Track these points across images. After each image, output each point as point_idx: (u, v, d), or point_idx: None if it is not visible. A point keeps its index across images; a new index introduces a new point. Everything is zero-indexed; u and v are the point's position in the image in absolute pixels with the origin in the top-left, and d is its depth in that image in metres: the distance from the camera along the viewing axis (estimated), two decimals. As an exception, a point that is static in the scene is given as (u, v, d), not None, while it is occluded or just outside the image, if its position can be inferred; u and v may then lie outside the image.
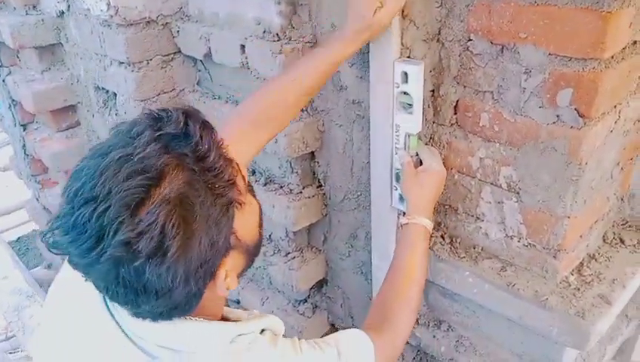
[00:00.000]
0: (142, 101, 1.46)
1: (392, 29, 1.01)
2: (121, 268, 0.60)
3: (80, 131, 1.91)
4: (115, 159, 0.61)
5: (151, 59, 1.43)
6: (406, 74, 1.03)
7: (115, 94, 1.57)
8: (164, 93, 1.49)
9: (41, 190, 2.10)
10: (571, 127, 0.93)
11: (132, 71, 1.42)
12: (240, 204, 0.69)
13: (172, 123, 0.64)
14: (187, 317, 0.73)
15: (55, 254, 0.65)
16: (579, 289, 1.05)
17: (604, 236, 1.18)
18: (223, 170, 0.65)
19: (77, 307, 0.78)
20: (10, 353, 2.22)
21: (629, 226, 1.22)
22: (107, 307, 0.74)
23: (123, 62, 1.43)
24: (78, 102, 1.84)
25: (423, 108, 1.08)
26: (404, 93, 1.05)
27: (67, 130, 1.90)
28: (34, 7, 1.73)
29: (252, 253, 0.77)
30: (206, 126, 0.66)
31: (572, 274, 1.08)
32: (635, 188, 1.21)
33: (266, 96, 1.00)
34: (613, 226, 1.21)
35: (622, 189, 1.18)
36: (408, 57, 1.05)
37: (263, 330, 0.79)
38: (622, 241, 1.18)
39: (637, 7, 0.88)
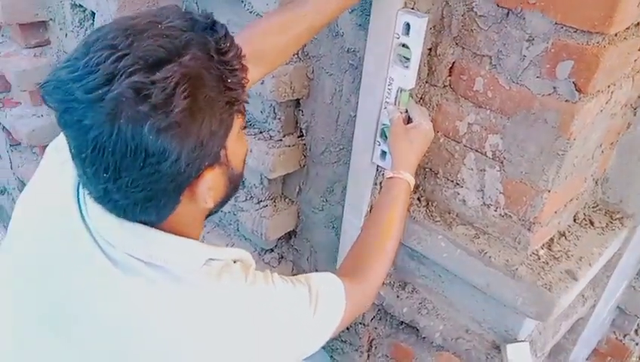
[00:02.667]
0: (122, 24, 1.37)
1: (399, -24, 0.97)
2: (122, 113, 0.58)
3: (50, 51, 1.79)
4: (143, 22, 0.62)
5: (137, -21, 1.34)
6: (408, 25, 0.99)
7: (94, 14, 1.47)
8: (147, 19, 1.40)
9: (1, 109, 1.98)
10: (566, 100, 0.92)
11: (115, -11, 1.33)
12: (242, 111, 0.69)
13: (201, 15, 0.66)
14: (161, 230, 0.70)
15: (49, 105, 0.61)
16: (547, 263, 1.06)
17: (575, 216, 1.21)
18: (238, 70, 0.66)
19: (44, 212, 0.75)
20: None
21: (599, 209, 1.25)
22: (80, 210, 0.71)
23: (106, -21, 1.33)
24: (51, 19, 1.72)
25: (419, 66, 1.06)
26: (403, 45, 1.02)
27: (36, 47, 1.78)
28: None
29: (232, 183, 0.75)
30: (229, 32, 0.67)
31: (542, 249, 1.10)
32: (610, 172, 1.23)
33: (266, 27, 0.95)
34: (584, 207, 1.23)
35: (599, 172, 1.20)
36: (412, 9, 1.01)
37: (235, 261, 0.77)
38: (591, 223, 1.20)
39: (648, -12, 0.87)
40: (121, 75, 0.58)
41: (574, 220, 1.20)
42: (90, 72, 0.59)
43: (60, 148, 0.79)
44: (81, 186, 0.72)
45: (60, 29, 1.69)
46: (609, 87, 0.98)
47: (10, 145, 2.10)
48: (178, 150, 0.61)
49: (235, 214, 1.46)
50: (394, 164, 1.07)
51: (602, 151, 1.14)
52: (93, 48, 0.60)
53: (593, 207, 1.25)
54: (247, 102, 0.70)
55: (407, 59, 1.03)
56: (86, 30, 1.55)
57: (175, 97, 0.59)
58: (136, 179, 0.61)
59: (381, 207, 1.05)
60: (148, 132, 0.58)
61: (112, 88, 0.58)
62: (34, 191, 0.80)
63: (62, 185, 0.74)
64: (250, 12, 1.19)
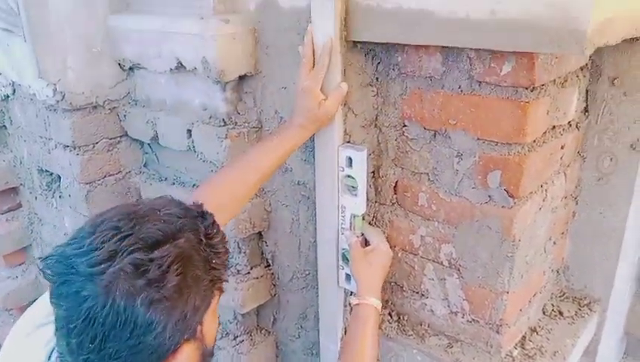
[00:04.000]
0: (87, 183, 1.44)
1: (335, 117, 1.05)
2: (118, 286, 0.64)
3: (21, 214, 1.85)
4: (144, 209, 0.72)
5: (97, 143, 1.43)
6: (350, 159, 1.07)
7: (60, 177, 1.55)
8: (110, 175, 1.48)
9: (-24, 276, 1.99)
10: (502, 206, 0.98)
11: (77, 154, 1.41)
12: (221, 289, 0.77)
13: (193, 205, 0.77)
14: None
15: (47, 277, 0.66)
16: (522, 363, 1.07)
17: (543, 308, 1.22)
18: (221, 253, 0.76)
19: None
20: None
21: (566, 297, 1.27)
22: None
23: (68, 146, 1.42)
24: (21, 184, 1.79)
25: (366, 189, 1.12)
26: (349, 176, 1.09)
27: (8, 212, 1.84)
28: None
29: (204, 361, 0.78)
30: (216, 220, 0.77)
31: (515, 349, 1.10)
32: (569, 260, 1.26)
33: (229, 178, 1.05)
34: (551, 298, 1.25)
35: (556, 262, 1.23)
36: (348, 142, 1.10)
37: None
38: (560, 313, 1.22)
39: (552, 97, 0.96)
40: (122, 253, 0.65)
41: (543, 313, 1.22)
42: (95, 249, 0.66)
43: (26, 317, 0.83)
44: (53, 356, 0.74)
45: (30, 192, 1.75)
46: (542, 186, 1.05)
47: (-13, 310, 2.08)
48: (164, 322, 0.66)
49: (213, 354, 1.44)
50: (358, 289, 1.10)
51: (554, 243, 1.19)
52: (100, 228, 0.67)
53: (560, 297, 1.27)
54: (226, 281, 0.78)
55: (354, 187, 1.10)
56: (54, 192, 1.62)
57: (169, 273, 0.66)
58: (120, 350, 0.65)
59: (352, 335, 1.06)
60: (140, 304, 0.64)
61: (114, 263, 0.65)
62: None
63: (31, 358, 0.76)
64: (204, 161, 1.27)
